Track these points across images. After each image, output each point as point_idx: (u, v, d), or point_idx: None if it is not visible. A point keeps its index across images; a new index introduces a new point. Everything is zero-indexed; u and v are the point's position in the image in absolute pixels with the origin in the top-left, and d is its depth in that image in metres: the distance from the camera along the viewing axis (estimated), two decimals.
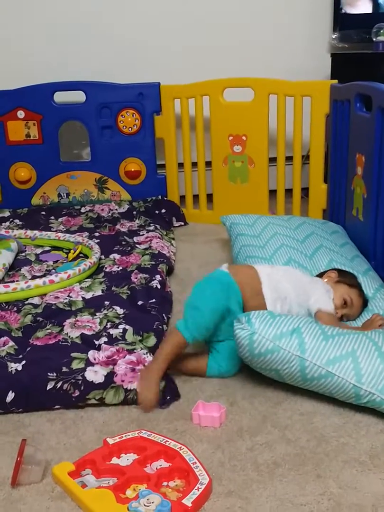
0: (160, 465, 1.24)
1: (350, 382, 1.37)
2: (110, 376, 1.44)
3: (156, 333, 1.64)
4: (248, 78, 2.64)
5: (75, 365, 1.46)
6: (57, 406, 1.45)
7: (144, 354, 1.51)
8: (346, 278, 1.75)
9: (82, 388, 1.43)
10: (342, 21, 2.88)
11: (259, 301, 1.58)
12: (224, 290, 1.55)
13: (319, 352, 1.39)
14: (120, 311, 1.76)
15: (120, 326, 1.66)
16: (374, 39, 2.75)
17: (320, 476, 1.22)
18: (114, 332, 1.62)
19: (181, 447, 1.26)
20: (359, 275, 1.84)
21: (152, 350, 1.55)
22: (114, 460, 1.26)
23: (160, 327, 1.69)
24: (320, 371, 1.38)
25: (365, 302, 1.74)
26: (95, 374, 1.44)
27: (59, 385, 1.43)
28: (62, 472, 1.20)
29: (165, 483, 1.19)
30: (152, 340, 1.60)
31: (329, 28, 2.97)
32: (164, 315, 1.79)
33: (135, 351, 1.52)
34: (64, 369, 1.45)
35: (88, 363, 1.48)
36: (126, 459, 1.26)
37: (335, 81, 2.52)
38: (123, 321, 1.69)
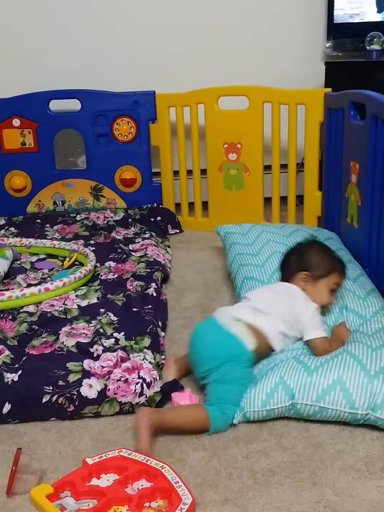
0: (142, 485, 1.18)
1: (344, 411, 1.37)
2: (103, 391, 1.44)
3: (150, 335, 1.65)
4: (243, 87, 2.65)
5: (72, 377, 1.46)
6: (52, 418, 1.45)
7: (141, 360, 1.52)
8: (318, 269, 1.69)
9: (76, 403, 1.42)
10: (335, 29, 2.90)
11: (267, 346, 1.56)
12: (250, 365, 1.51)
13: (306, 390, 1.39)
14: (114, 318, 1.77)
15: (114, 333, 1.66)
16: (367, 48, 2.77)
17: (316, 483, 1.22)
18: (108, 339, 1.63)
19: (163, 465, 1.21)
20: (349, 281, 1.84)
21: (147, 349, 1.58)
22: (94, 481, 1.19)
23: (155, 329, 1.70)
24: (313, 409, 1.38)
25: (342, 266, 1.74)
26: (89, 389, 1.43)
27: (54, 398, 1.42)
28: (40, 495, 1.13)
29: (147, 504, 1.14)
30: (146, 341, 1.61)
31: (323, 37, 2.99)
32: (159, 320, 1.79)
33: (130, 357, 1.52)
34: (60, 382, 1.44)
35: (84, 373, 1.47)
36: (106, 480, 1.19)
37: (329, 89, 2.53)
38: (117, 327, 1.70)
